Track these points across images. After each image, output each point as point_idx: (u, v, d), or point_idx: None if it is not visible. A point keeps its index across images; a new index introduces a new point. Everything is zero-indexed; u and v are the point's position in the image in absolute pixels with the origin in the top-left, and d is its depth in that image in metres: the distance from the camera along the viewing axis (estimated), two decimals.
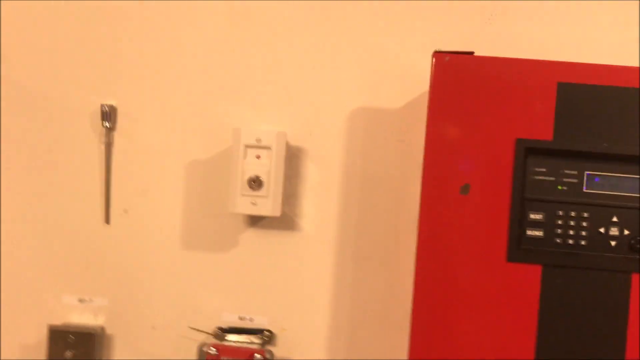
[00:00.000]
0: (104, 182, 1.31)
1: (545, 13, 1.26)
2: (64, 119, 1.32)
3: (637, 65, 1.05)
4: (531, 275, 1.05)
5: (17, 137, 1.32)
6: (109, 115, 1.29)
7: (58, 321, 1.31)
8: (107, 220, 1.32)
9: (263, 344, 1.28)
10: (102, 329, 1.32)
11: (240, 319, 1.30)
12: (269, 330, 1.29)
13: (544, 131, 1.05)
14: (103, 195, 1.31)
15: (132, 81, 1.31)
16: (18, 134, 1.32)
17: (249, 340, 1.28)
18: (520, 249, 1.05)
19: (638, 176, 1.05)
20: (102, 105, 1.29)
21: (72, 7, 1.31)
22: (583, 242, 1.06)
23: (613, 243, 1.05)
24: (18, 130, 1.32)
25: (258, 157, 1.20)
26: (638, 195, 1.05)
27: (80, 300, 1.32)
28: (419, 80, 1.24)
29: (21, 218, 1.33)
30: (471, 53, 1.07)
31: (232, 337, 1.28)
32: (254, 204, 1.19)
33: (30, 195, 1.33)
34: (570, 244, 1.06)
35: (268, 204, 1.19)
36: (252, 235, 1.30)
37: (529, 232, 1.06)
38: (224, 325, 1.29)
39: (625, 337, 1.03)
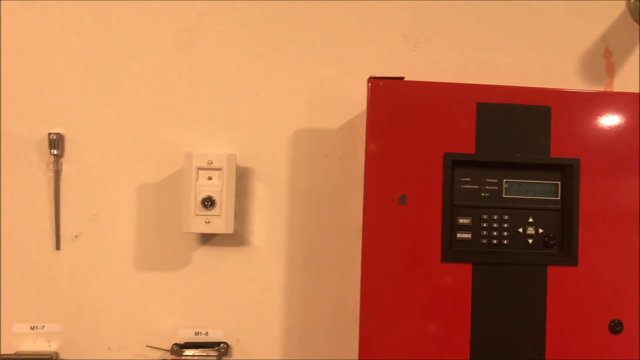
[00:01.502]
0: (54, 209, 1.32)
1: (463, 41, 1.41)
2: (10, 147, 1.32)
3: (544, 86, 1.21)
4: (463, 273, 1.17)
5: None
6: (56, 142, 1.31)
7: (10, 350, 1.31)
8: (58, 246, 1.33)
9: (219, 356, 1.33)
10: (57, 354, 1.32)
11: (196, 333, 1.35)
12: (224, 343, 1.34)
13: (467, 145, 1.18)
14: (53, 222, 1.32)
15: (80, 109, 1.34)
16: None
17: (205, 354, 1.33)
18: (452, 250, 1.18)
19: (548, 182, 1.21)
20: (49, 134, 1.31)
21: (18, 35, 1.33)
22: (505, 242, 1.20)
23: (530, 241, 1.21)
24: None
25: (210, 178, 1.26)
26: (549, 198, 1.21)
27: (32, 328, 1.32)
28: (354, 103, 1.36)
29: None
30: (402, 78, 1.19)
31: (189, 352, 1.32)
32: (207, 222, 1.25)
33: None
34: (494, 243, 1.20)
35: (221, 223, 1.26)
36: (204, 253, 1.35)
37: (459, 235, 1.19)
38: (181, 341, 1.34)
39: (545, 319, 1.18)
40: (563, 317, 1.18)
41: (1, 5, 1.31)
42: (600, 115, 1.20)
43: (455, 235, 1.19)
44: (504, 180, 1.20)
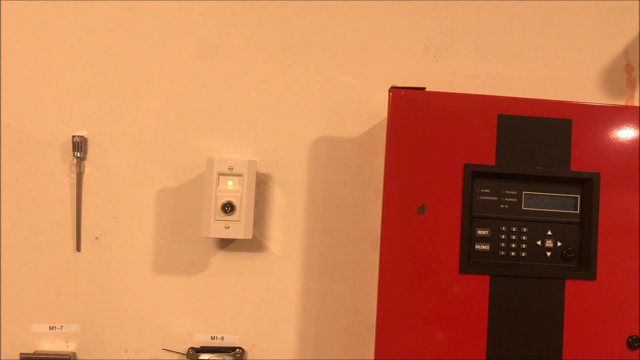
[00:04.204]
0: (75, 211, 1.34)
1: (484, 53, 1.41)
2: (34, 149, 1.34)
3: (566, 99, 1.21)
4: (480, 284, 1.17)
5: None
6: (80, 145, 1.32)
7: (29, 350, 1.32)
8: (78, 247, 1.34)
9: None
10: (74, 354, 1.34)
11: (212, 338, 1.36)
12: (240, 348, 1.35)
13: (487, 157, 1.18)
14: (74, 224, 1.34)
15: (103, 113, 1.35)
16: None
17: (221, 358, 1.33)
18: (470, 261, 1.18)
19: (567, 195, 1.20)
20: (73, 136, 1.32)
21: (45, 39, 1.35)
22: (523, 254, 1.20)
23: (548, 254, 1.20)
24: None
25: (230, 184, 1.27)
26: (568, 211, 1.20)
27: (51, 328, 1.33)
28: (374, 112, 1.36)
29: None
30: (423, 89, 1.19)
31: (204, 356, 1.33)
32: (227, 227, 1.26)
33: None
34: (512, 255, 1.20)
35: (240, 228, 1.26)
36: (222, 258, 1.36)
37: (477, 247, 1.20)
38: (197, 345, 1.35)
39: (562, 333, 1.17)
40: (580, 331, 1.17)
41: (25, 9, 1.34)
42: (621, 129, 1.20)
43: (474, 246, 1.19)
44: (524, 192, 1.20)
